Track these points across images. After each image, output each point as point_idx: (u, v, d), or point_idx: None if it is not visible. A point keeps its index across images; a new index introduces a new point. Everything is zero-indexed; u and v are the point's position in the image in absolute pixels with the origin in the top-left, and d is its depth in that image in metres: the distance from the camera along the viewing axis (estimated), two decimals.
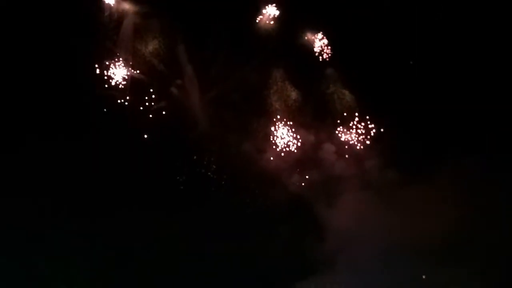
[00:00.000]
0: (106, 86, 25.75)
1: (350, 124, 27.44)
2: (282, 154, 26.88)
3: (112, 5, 26.14)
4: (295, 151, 26.96)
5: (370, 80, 26.35)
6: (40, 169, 23.97)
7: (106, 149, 24.72)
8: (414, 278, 24.01)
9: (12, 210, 22.99)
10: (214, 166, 26.35)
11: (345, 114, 27.53)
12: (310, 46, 28.05)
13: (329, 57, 27.98)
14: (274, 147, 26.93)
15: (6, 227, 23.00)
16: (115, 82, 25.83)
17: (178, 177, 26.02)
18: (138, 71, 26.24)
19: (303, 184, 26.81)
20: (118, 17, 26.27)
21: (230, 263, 24.54)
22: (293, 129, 27.14)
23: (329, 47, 28.01)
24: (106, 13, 26.23)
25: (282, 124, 27.16)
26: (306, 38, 28.02)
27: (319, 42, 27.97)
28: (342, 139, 27.30)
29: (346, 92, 27.72)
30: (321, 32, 27.97)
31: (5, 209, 22.87)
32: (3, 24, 24.26)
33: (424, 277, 24.36)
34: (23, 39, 24.44)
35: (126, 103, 25.97)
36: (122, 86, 25.93)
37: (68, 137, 24.49)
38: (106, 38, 26.09)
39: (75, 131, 24.73)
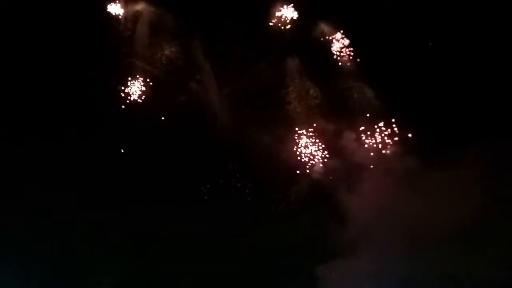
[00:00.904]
0: (125, 82, 26.58)
1: (370, 113, 27.27)
2: (302, 144, 26.94)
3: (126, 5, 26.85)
4: (315, 140, 26.95)
5: (389, 69, 26.18)
6: (69, 163, 25.09)
7: (129, 144, 25.85)
8: (436, 263, 23.57)
9: (32, 206, 24.03)
10: (235, 158, 26.65)
11: (364, 103, 27.41)
12: (326, 38, 28.15)
13: (344, 49, 28.05)
14: (294, 137, 27.02)
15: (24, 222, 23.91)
16: (134, 79, 26.66)
17: (200, 169, 26.38)
18: (156, 68, 27.02)
19: (324, 172, 26.72)
20: (133, 17, 26.84)
21: (251, 251, 24.71)
22: (313, 119, 27.22)
23: (344, 39, 28.09)
24: (121, 13, 26.73)
25: (301, 115, 27.36)
26: (322, 31, 28.08)
27: (335, 35, 28.11)
28: (362, 127, 27.07)
29: (365, 85, 27.64)
30: (337, 25, 28.04)
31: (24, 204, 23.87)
32: (24, 29, 25.34)
33: None
34: (41, 43, 25.67)
35: (145, 100, 26.71)
36: (141, 83, 26.73)
37: (94, 134, 25.45)
38: (122, 37, 26.76)
39: (99, 128, 25.71)
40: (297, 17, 27.72)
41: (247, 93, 27.53)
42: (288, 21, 27.63)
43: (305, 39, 27.81)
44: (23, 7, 25.70)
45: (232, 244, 24.89)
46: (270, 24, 27.66)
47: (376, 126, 26.93)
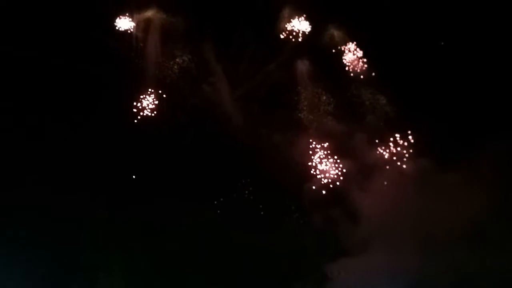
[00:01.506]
0: (138, 84, 27.16)
1: (381, 114, 27.40)
2: (314, 144, 27.11)
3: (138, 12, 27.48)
4: (327, 141, 27.07)
5: (399, 70, 26.22)
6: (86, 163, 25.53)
7: (146, 145, 26.12)
8: (448, 263, 23.41)
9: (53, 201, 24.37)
10: (247, 158, 26.62)
11: (375, 104, 27.55)
12: (336, 41, 28.36)
13: (354, 51, 28.26)
14: (305, 138, 27.28)
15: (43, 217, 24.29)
16: (147, 83, 27.18)
17: (212, 170, 26.53)
18: (169, 73, 27.51)
19: (336, 173, 26.74)
20: (144, 23, 27.30)
21: (262, 250, 24.76)
22: (324, 120, 27.54)
23: (354, 42, 28.26)
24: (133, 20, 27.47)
25: (312, 116, 27.65)
26: (332, 33, 28.28)
27: (344, 37, 28.29)
28: (373, 128, 27.19)
29: (375, 86, 27.77)
30: (347, 27, 28.21)
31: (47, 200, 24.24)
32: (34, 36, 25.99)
33: None
34: (53, 50, 26.23)
35: (159, 104, 27.19)
36: (154, 87, 27.24)
37: (111, 135, 25.82)
38: (135, 42, 27.48)
39: (111, 129, 25.99)
40: (308, 19, 28.01)
41: (258, 95, 27.80)
42: (298, 23, 27.87)
43: (315, 41, 28.08)
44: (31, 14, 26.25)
45: (244, 243, 24.85)
46: (281, 26, 27.95)
47: (387, 126, 27.00)
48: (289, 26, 27.86)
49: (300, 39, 27.95)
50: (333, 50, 28.19)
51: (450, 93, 26.28)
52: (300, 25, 27.83)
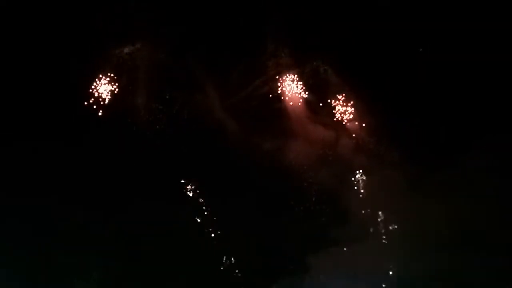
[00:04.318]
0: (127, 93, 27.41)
1: (369, 118, 27.75)
2: (300, 152, 27.60)
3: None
4: (313, 148, 27.65)
5: (382, 74, 26.43)
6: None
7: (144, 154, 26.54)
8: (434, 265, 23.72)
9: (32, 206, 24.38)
10: (239, 165, 27.11)
11: (359, 111, 27.87)
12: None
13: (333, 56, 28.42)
14: (293, 146, 27.75)
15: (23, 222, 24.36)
16: (142, 97, 27.55)
17: (209, 175, 27.10)
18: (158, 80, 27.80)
19: (323, 178, 27.27)
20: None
21: (254, 250, 25.58)
22: (310, 128, 27.94)
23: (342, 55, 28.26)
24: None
25: (300, 125, 28.04)
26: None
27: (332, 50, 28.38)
28: (359, 134, 27.69)
29: (363, 90, 27.89)
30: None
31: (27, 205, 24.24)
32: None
33: None
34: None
35: (156, 117, 27.60)
36: (149, 100, 27.67)
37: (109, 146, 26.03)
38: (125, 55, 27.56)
39: (97, 135, 26.19)
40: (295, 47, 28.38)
41: (249, 105, 28.30)
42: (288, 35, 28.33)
43: (303, 54, 28.44)
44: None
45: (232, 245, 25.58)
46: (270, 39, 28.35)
47: (375, 131, 27.42)
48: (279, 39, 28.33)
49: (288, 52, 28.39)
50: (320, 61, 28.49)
51: (437, 100, 26.42)
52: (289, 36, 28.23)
